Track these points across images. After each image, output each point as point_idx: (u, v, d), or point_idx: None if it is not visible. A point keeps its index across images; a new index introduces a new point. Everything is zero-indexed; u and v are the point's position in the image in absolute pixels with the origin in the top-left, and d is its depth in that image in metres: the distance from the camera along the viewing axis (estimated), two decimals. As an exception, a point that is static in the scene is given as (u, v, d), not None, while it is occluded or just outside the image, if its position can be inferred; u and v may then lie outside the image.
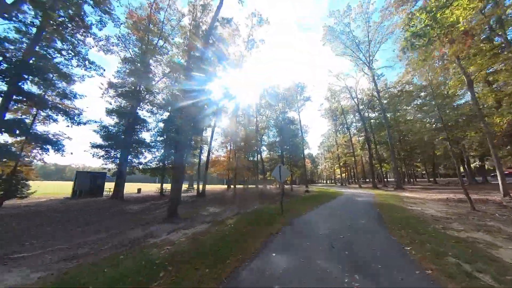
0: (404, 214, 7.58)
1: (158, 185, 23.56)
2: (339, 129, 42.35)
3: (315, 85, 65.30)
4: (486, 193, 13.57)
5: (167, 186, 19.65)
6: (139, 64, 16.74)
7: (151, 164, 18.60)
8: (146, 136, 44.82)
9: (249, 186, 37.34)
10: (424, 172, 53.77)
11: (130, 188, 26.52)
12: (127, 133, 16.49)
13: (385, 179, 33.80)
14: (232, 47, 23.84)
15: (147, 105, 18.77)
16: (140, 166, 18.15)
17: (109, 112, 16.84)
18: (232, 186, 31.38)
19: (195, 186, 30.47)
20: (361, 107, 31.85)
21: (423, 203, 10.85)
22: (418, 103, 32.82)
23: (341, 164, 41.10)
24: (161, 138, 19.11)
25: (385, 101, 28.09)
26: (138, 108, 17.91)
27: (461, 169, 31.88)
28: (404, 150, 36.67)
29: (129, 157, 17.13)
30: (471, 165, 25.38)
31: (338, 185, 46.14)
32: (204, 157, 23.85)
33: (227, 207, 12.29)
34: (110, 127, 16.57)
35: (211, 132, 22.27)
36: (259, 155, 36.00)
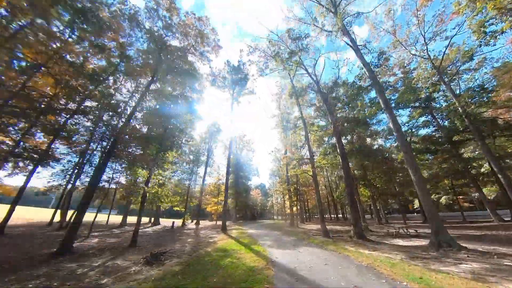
0: None
1: None
2: (291, 136, 29.28)
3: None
4: None
5: None
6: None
7: None
8: None
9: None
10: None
11: None
12: None
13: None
14: None
15: None
16: None
17: None
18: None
19: None
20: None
21: None
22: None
23: (291, 189, 26.57)
24: None
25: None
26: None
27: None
28: (382, 171, 25.09)
29: None
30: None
31: (287, 223, 30.68)
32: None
33: None
34: None
35: None
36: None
